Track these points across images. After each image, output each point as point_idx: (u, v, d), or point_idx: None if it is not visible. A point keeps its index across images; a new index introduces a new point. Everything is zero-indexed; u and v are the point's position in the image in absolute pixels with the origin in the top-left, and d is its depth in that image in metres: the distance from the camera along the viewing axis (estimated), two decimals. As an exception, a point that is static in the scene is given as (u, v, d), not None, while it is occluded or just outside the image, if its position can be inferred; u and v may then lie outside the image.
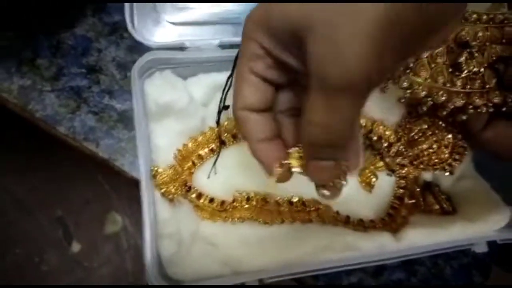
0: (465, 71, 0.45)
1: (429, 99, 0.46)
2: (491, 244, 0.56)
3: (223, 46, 0.55)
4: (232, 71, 0.49)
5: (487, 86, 0.45)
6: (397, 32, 0.27)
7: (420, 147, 0.61)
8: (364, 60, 0.27)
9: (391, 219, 0.60)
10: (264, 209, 0.56)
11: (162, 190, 0.51)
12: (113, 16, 0.62)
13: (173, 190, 0.52)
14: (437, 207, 0.61)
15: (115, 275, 1.27)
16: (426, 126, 0.61)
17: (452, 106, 0.46)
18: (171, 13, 0.56)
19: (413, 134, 0.61)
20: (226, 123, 0.56)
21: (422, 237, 0.56)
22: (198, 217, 0.55)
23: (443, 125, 0.61)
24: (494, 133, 0.45)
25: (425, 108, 0.49)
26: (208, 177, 0.55)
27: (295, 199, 0.57)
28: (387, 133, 0.60)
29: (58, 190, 1.29)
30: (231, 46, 0.55)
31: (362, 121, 0.59)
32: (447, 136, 0.62)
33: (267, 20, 0.31)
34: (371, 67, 0.27)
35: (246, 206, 0.56)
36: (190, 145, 0.55)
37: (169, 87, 0.53)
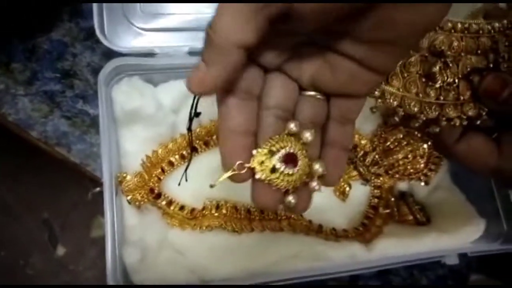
0: (439, 82, 0.43)
1: (401, 109, 0.44)
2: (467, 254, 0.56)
3: (192, 53, 0.55)
4: None
5: (462, 98, 0.43)
6: None
7: (395, 156, 0.61)
8: None
9: (365, 229, 0.60)
10: (234, 217, 0.55)
11: (128, 198, 0.51)
12: (89, 21, 0.61)
13: (139, 198, 0.51)
14: (411, 217, 0.61)
15: (101, 279, 1.26)
16: (401, 136, 0.61)
17: (425, 118, 0.44)
18: (141, 20, 0.56)
19: (388, 143, 0.61)
20: (198, 129, 0.56)
21: (393, 248, 0.56)
22: (166, 224, 0.54)
23: (419, 135, 0.61)
24: (468, 146, 0.43)
25: (397, 119, 0.48)
26: (179, 184, 0.54)
27: (266, 208, 0.57)
28: (362, 142, 0.60)
29: (45, 194, 1.29)
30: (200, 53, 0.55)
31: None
32: (422, 146, 0.62)
33: None
34: None
35: (216, 214, 0.55)
36: (160, 151, 0.54)
37: (137, 94, 0.52)
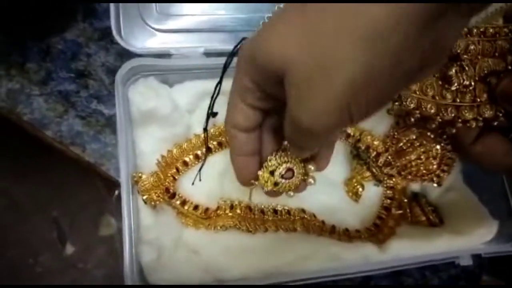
0: (456, 84, 0.44)
1: (417, 111, 0.46)
2: (481, 255, 0.56)
3: (208, 54, 0.55)
4: (221, 78, 0.50)
5: (478, 100, 0.44)
6: (372, 87, 0.26)
7: (408, 157, 0.61)
8: (332, 115, 0.28)
9: (378, 230, 0.60)
10: (248, 217, 0.56)
11: (144, 197, 0.51)
12: (103, 21, 0.62)
13: (154, 197, 0.51)
14: (423, 218, 0.61)
15: (109, 277, 1.27)
16: (414, 137, 0.61)
17: (441, 120, 0.45)
18: (157, 20, 0.56)
19: (401, 144, 0.61)
20: (212, 130, 0.56)
21: (407, 249, 0.56)
22: (181, 224, 0.54)
23: (432, 136, 0.61)
24: (484, 147, 0.44)
25: (413, 120, 0.49)
26: (193, 183, 0.55)
27: (279, 208, 0.57)
28: (375, 143, 0.60)
29: (54, 193, 1.28)
30: (217, 54, 0.55)
31: (350, 131, 0.59)
32: (435, 147, 0.61)
33: (253, 59, 0.32)
34: (339, 118, 0.28)
35: (230, 214, 0.55)
36: (175, 151, 0.54)
37: (153, 94, 0.53)
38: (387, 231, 0.60)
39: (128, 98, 0.53)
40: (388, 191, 0.61)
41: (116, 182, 0.60)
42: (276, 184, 0.41)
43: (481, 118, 0.43)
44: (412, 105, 0.45)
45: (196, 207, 0.56)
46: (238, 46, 0.49)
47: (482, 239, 0.58)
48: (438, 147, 0.62)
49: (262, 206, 0.57)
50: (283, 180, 0.41)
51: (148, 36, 0.56)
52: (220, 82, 0.51)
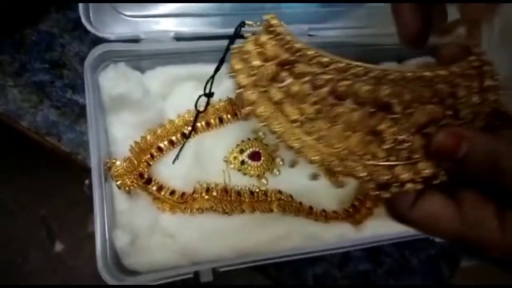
0: (388, 141, 0.35)
1: (344, 174, 0.36)
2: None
3: (178, 38, 0.56)
4: (221, 62, 0.50)
5: (416, 156, 0.35)
6: None
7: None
8: None
9: (355, 210, 0.60)
10: (224, 200, 0.56)
11: (118, 183, 0.51)
12: (76, 12, 0.60)
13: (128, 183, 0.52)
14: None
15: (99, 274, 1.27)
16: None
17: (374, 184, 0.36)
18: (127, 7, 0.56)
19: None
20: (186, 115, 0.56)
21: (383, 228, 0.56)
22: (157, 209, 0.55)
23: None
24: (425, 213, 0.35)
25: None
26: (173, 162, 0.56)
27: (256, 189, 0.57)
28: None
29: (42, 192, 1.29)
30: (188, 38, 0.56)
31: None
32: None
33: None
34: None
35: (206, 196, 0.55)
36: (149, 137, 0.55)
37: (123, 79, 0.53)
38: (364, 212, 0.60)
39: (98, 85, 0.53)
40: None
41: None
42: (242, 162, 0.41)
43: (420, 180, 0.35)
44: (338, 169, 0.35)
45: (172, 192, 0.56)
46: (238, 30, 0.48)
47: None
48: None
49: (239, 188, 0.57)
50: (249, 161, 0.42)
51: (118, 22, 0.56)
52: (222, 61, 0.50)
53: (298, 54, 0.35)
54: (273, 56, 0.35)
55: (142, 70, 0.56)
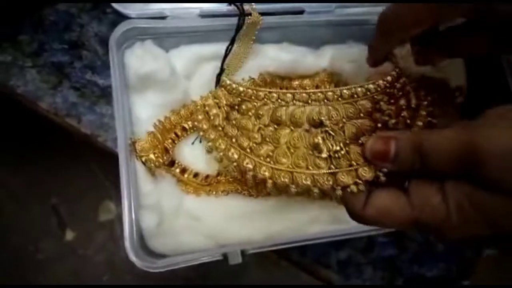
0: (325, 152, 0.43)
1: (293, 185, 0.43)
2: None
3: (204, 16, 0.54)
4: (232, 41, 0.53)
5: (355, 163, 0.41)
6: None
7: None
8: None
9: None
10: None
11: (143, 159, 0.50)
12: None
13: (153, 158, 0.51)
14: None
15: (110, 262, 1.27)
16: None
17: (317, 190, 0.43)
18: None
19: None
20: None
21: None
22: (181, 191, 0.54)
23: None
24: (377, 209, 0.38)
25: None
26: (193, 143, 0.55)
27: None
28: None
29: (52, 180, 1.29)
30: (213, 15, 0.55)
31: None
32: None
33: None
34: None
35: (231, 179, 0.54)
36: (172, 118, 0.54)
37: (150, 58, 0.52)
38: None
39: (123, 63, 0.52)
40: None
41: (113, 155, 0.58)
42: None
43: (361, 182, 0.40)
44: (286, 180, 0.43)
45: (196, 175, 0.55)
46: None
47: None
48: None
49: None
50: None
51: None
52: (233, 41, 0.54)
53: (242, 95, 0.48)
54: (225, 103, 0.49)
55: (166, 49, 0.55)
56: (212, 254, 0.49)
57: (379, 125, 0.43)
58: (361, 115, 0.44)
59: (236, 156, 0.46)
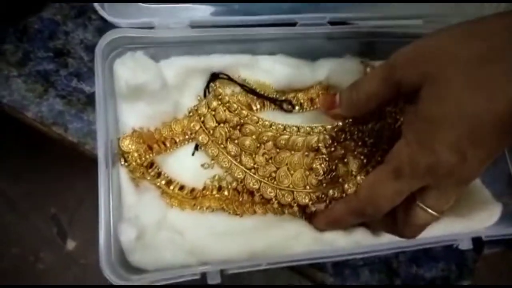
0: (322, 174, 0.52)
1: (294, 204, 0.53)
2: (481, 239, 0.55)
3: (194, 26, 0.53)
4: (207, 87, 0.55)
5: (341, 179, 0.52)
6: None
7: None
8: None
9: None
10: (236, 200, 0.54)
11: (125, 155, 0.50)
12: None
13: (136, 155, 0.50)
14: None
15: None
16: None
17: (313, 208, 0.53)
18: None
19: (399, 123, 0.59)
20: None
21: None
22: (165, 204, 0.52)
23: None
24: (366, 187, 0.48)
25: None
26: (193, 154, 0.55)
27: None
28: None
29: (52, 190, 1.29)
30: (203, 26, 0.54)
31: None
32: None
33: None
34: None
35: (217, 195, 0.53)
36: (163, 131, 0.53)
37: (141, 69, 0.50)
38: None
39: (113, 72, 0.51)
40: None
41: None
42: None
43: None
44: (288, 199, 0.53)
45: (182, 188, 0.53)
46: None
47: (485, 223, 0.56)
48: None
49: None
50: None
51: (130, 7, 0.53)
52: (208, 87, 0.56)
53: (246, 118, 0.52)
54: (225, 120, 0.53)
55: (156, 59, 0.54)
56: (190, 272, 0.47)
57: (360, 143, 0.53)
58: (348, 137, 0.53)
59: (241, 176, 0.53)
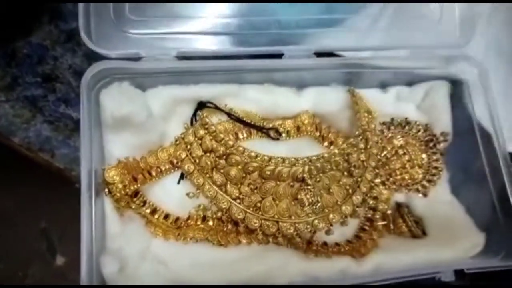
0: (307, 205, 0.52)
1: (279, 235, 0.53)
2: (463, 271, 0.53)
3: (180, 57, 0.53)
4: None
5: (327, 209, 0.53)
6: None
7: (392, 166, 0.59)
8: None
9: (360, 243, 0.57)
10: (220, 230, 0.54)
11: (110, 186, 0.50)
12: (69, 23, 0.60)
13: (120, 186, 0.49)
14: (406, 229, 0.57)
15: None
16: (399, 145, 0.59)
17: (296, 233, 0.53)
18: (128, 23, 0.54)
19: (385, 152, 0.59)
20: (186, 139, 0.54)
21: (385, 262, 0.53)
22: (150, 234, 0.52)
23: (417, 144, 0.59)
24: None
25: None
26: (178, 182, 0.54)
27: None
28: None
29: (42, 204, 1.27)
30: (189, 57, 0.54)
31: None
32: (420, 156, 0.60)
33: None
34: None
35: (202, 225, 0.53)
36: (149, 159, 0.53)
37: (127, 100, 0.51)
38: (370, 244, 0.56)
39: (98, 102, 0.51)
40: (371, 201, 0.58)
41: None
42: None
43: (331, 226, 0.54)
44: (273, 230, 0.52)
45: (166, 216, 0.53)
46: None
47: (468, 253, 0.56)
48: (424, 155, 0.60)
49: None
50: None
51: (118, 38, 0.53)
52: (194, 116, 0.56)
53: (231, 148, 0.52)
54: (211, 149, 0.53)
55: (143, 88, 0.54)
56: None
57: (345, 173, 0.55)
58: (334, 168, 0.53)
59: (226, 206, 0.53)
